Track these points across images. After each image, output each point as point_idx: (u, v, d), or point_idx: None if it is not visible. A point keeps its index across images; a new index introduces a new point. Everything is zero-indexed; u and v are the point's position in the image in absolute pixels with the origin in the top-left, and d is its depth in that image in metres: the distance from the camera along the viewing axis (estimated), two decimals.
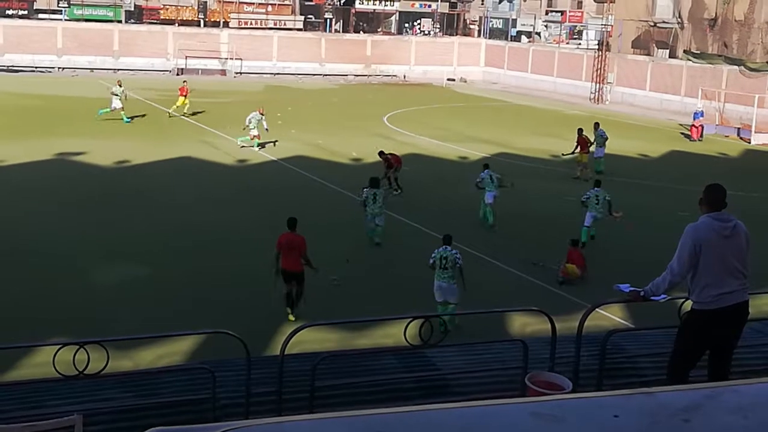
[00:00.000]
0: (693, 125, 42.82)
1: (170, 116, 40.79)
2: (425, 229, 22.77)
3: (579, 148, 31.11)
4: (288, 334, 8.20)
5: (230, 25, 70.47)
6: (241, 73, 65.83)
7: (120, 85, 39.63)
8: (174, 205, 24.75)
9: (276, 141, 34.82)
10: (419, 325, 8.23)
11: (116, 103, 38.67)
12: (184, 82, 44.44)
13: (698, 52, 55.68)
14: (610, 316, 15.41)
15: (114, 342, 11.08)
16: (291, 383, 8.08)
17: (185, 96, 41.73)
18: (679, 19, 59.04)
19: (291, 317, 15.78)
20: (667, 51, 60.16)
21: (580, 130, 31.34)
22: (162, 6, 73.12)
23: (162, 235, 21.54)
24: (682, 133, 42.84)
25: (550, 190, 29.13)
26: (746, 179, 30.98)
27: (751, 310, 7.89)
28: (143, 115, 41.41)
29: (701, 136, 42.40)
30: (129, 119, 39.00)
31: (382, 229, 21.84)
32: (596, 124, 33.05)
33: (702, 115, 43.22)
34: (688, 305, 7.87)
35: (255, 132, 33.31)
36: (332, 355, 9.39)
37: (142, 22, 69.91)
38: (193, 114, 41.92)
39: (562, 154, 32.71)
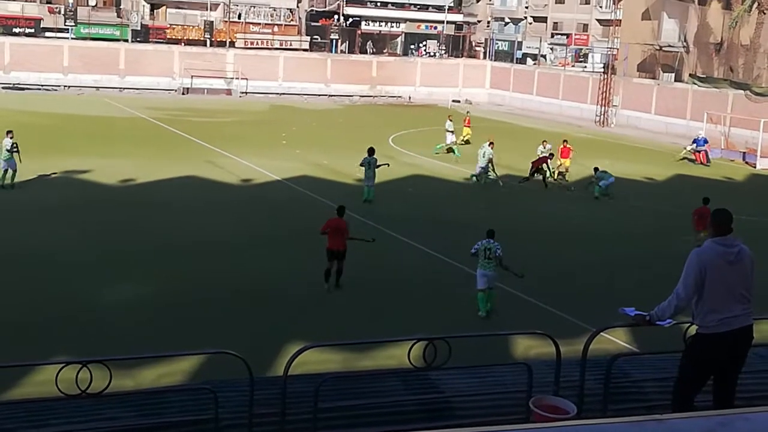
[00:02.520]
0: (696, 150, 42.35)
1: (452, 154, 39.60)
2: (429, 251, 22.76)
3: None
4: (291, 354, 8.16)
5: (236, 45, 70.81)
6: (246, 93, 66.06)
7: (451, 120, 41.61)
8: (177, 224, 24.75)
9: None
10: (423, 347, 8.19)
11: (451, 138, 40.55)
12: (468, 113, 46.49)
13: (704, 76, 55.79)
14: (615, 340, 15.35)
15: (116, 361, 11.06)
16: (294, 404, 8.04)
17: (469, 126, 43.27)
18: (684, 43, 59.20)
19: (331, 290, 18.81)
20: (673, 75, 60.27)
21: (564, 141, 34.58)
22: (169, 25, 73.50)
23: (165, 254, 21.51)
24: (685, 158, 42.65)
25: (555, 211, 29.11)
26: (751, 203, 30.95)
27: (756, 335, 7.85)
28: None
29: (708, 161, 42.10)
30: (459, 154, 39.46)
31: (372, 190, 28.35)
32: (596, 169, 32.68)
33: (706, 142, 42.73)
34: (693, 330, 7.84)
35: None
36: (336, 377, 9.35)
37: (149, 42, 70.22)
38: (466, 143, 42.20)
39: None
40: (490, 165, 32.89)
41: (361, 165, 28.99)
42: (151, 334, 15.61)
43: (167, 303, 17.86)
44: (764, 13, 53.10)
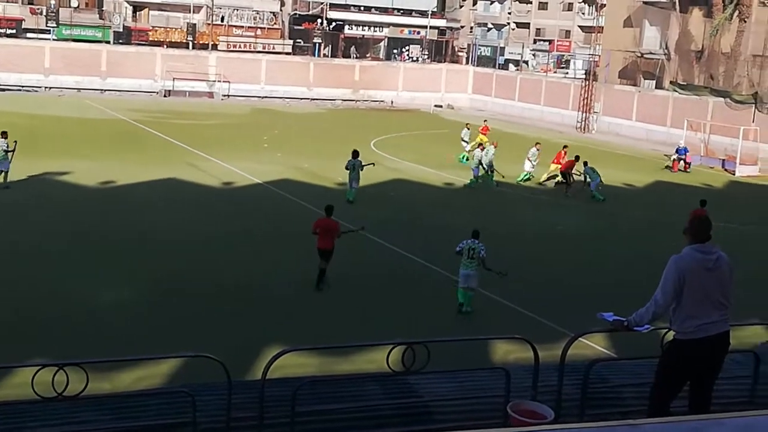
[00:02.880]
0: (677, 159, 42.43)
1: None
2: (410, 255, 22.77)
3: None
4: (270, 357, 8.14)
5: (219, 47, 70.68)
6: (228, 95, 65.93)
7: (468, 128, 41.77)
8: (157, 226, 24.64)
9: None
10: (402, 351, 8.19)
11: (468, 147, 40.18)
12: (485, 121, 46.29)
13: (684, 83, 56.11)
14: (594, 346, 15.40)
15: (93, 364, 10.99)
16: (272, 408, 8.01)
17: (486, 134, 42.42)
18: (666, 51, 59.52)
19: (321, 289, 19.11)
20: (654, 82, 60.59)
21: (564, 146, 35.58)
22: (151, 27, 73.28)
23: (143, 256, 21.42)
24: (667, 166, 42.77)
25: (536, 217, 29.21)
26: (730, 210, 31.14)
27: (733, 342, 7.89)
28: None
29: (688, 169, 42.18)
30: (466, 160, 39.18)
31: (356, 191, 28.89)
32: (585, 163, 33.79)
33: (686, 152, 42.93)
34: (670, 336, 7.87)
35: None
36: (314, 381, 9.32)
37: (131, 44, 69.99)
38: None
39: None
40: (487, 166, 34.08)
41: (347, 168, 29.35)
42: (130, 337, 15.53)
43: (145, 306, 17.79)
44: (745, 22, 53.48)
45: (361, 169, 29.29)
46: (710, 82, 54.78)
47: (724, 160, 45.25)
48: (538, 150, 36.00)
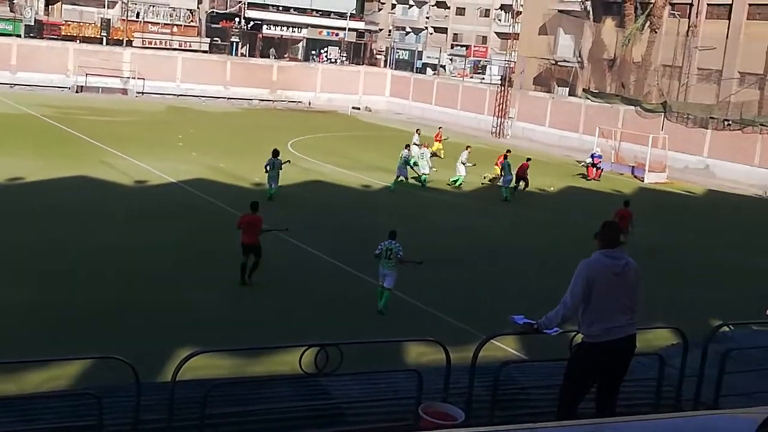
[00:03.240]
0: (591, 164, 43.10)
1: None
2: (324, 256, 22.73)
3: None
4: (180, 359, 8.02)
5: (134, 44, 69.44)
6: (143, 93, 64.83)
7: (419, 133, 42.35)
8: (66, 226, 24.10)
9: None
10: (315, 353, 8.16)
11: (416, 151, 38.41)
12: (440, 128, 47.09)
13: (597, 91, 57.30)
14: (505, 348, 15.59)
15: None
16: (182, 411, 7.90)
17: (440, 141, 43.30)
18: (579, 59, 60.69)
19: (246, 282, 19.45)
20: (567, 89, 61.74)
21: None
22: (64, 22, 71.61)
23: (51, 256, 20.93)
24: (581, 174, 43.43)
25: (452, 221, 29.45)
26: (638, 217, 31.83)
27: (639, 345, 8.08)
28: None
29: (599, 177, 42.74)
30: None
31: (275, 189, 29.34)
32: (508, 151, 36.42)
33: (600, 158, 43.51)
34: (579, 338, 8.01)
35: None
36: (225, 383, 9.24)
37: (43, 38, 68.27)
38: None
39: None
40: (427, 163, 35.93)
41: (266, 166, 29.80)
42: (37, 338, 15.15)
43: (54, 306, 17.36)
44: (655, 32, 54.87)
45: (281, 168, 29.84)
46: (621, 91, 56.05)
47: (633, 167, 46.33)
48: (469, 153, 36.90)
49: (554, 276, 17.71)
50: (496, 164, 36.78)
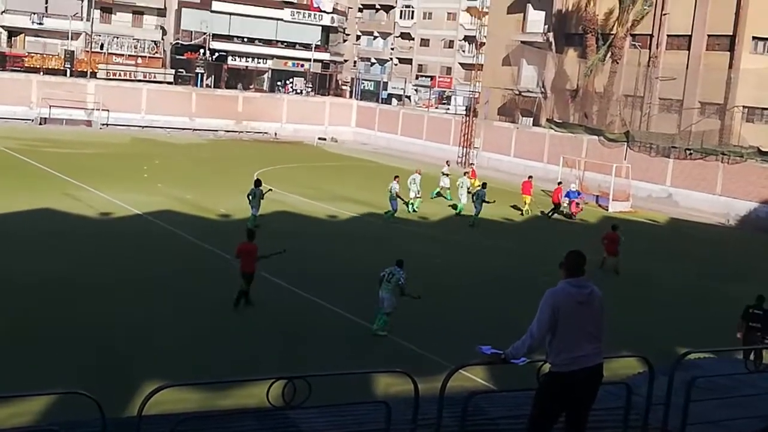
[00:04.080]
0: (573, 202, 41.20)
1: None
2: (292, 288, 22.66)
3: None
4: (146, 394, 7.93)
5: (98, 75, 69.18)
6: (107, 124, 64.51)
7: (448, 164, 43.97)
8: (27, 258, 23.83)
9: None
10: (283, 385, 8.11)
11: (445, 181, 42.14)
12: (472, 164, 48.69)
13: (560, 121, 57.87)
14: (473, 378, 15.60)
15: None
16: None
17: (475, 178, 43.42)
18: (542, 89, 61.34)
19: (238, 306, 20.17)
20: (531, 119, 62.30)
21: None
22: (27, 54, 71.20)
23: (12, 288, 20.67)
24: (555, 213, 42.31)
25: (418, 250, 29.47)
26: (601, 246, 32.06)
27: (606, 373, 8.11)
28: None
29: (576, 215, 40.89)
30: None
31: (255, 218, 29.49)
32: (484, 184, 37.23)
33: (577, 195, 41.65)
34: (546, 368, 8.03)
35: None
36: (192, 417, 9.14)
37: (5, 69, 67.82)
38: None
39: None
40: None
41: (248, 195, 30.44)
42: (0, 374, 14.92)
43: (14, 341, 17.12)
44: (617, 63, 55.62)
45: (262, 198, 30.44)
46: (584, 121, 56.66)
47: (597, 195, 46.71)
48: (419, 175, 38.03)
49: (523, 305, 17.78)
50: (554, 199, 40.10)
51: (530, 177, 41.21)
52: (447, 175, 42.71)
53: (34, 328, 17.88)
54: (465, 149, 61.17)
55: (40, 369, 15.38)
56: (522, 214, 39.53)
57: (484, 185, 36.96)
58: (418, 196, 37.39)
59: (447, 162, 45.72)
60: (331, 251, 27.60)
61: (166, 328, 18.66)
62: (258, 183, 30.88)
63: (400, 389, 13.11)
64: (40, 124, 61.97)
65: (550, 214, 39.67)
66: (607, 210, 44.40)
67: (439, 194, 41.62)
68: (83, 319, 18.73)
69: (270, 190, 31.79)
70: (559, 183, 41.45)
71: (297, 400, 7.99)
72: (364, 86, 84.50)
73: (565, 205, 41.03)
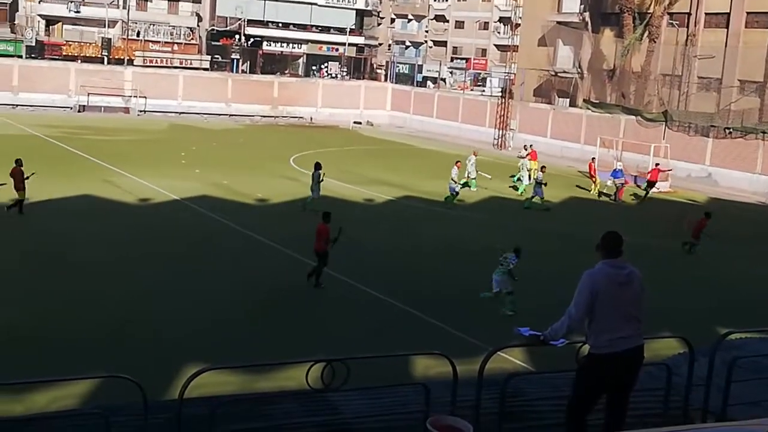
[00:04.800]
0: (618, 184, 40.17)
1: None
2: (330, 271, 22.69)
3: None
4: (188, 377, 8.02)
5: (135, 62, 69.71)
6: (145, 111, 65.03)
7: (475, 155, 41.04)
8: (72, 245, 24.12)
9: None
10: (322, 368, 8.16)
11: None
12: (531, 146, 46.97)
13: (597, 101, 57.35)
14: (512, 359, 15.58)
15: (4, 386, 10.69)
16: (189, 429, 7.89)
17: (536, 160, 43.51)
18: (579, 70, 60.79)
19: (313, 284, 20.91)
20: (568, 100, 61.81)
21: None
22: (65, 42, 71.90)
23: (59, 275, 20.95)
24: (603, 193, 41.18)
25: (456, 233, 29.41)
26: (641, 226, 31.86)
27: (646, 354, 8.06)
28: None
29: (621, 197, 40.06)
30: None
31: (312, 201, 30.16)
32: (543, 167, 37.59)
33: (622, 174, 40.87)
34: (585, 349, 8.00)
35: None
36: (232, 400, 9.23)
37: (44, 58, 68.54)
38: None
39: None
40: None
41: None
42: (45, 357, 15.14)
43: (61, 325, 17.37)
44: (654, 42, 54.96)
45: (321, 180, 30.91)
46: (622, 101, 56.10)
47: (636, 176, 46.20)
48: (475, 156, 38.99)
49: (563, 288, 17.70)
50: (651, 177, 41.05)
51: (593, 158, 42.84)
52: (523, 157, 42.93)
53: (73, 313, 18.13)
54: (501, 131, 60.86)
55: (81, 353, 15.59)
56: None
57: (542, 168, 37.30)
58: (473, 177, 38.14)
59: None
60: (366, 234, 27.61)
61: (203, 309, 18.81)
62: (318, 166, 31.21)
63: (439, 371, 13.11)
64: (79, 111, 62.57)
65: (645, 195, 40.74)
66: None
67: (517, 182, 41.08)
68: (123, 301, 18.95)
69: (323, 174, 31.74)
70: (657, 164, 42.99)
71: (336, 382, 8.04)
72: (398, 69, 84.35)
73: (609, 184, 40.65)
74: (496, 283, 20.08)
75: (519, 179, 40.73)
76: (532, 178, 38.63)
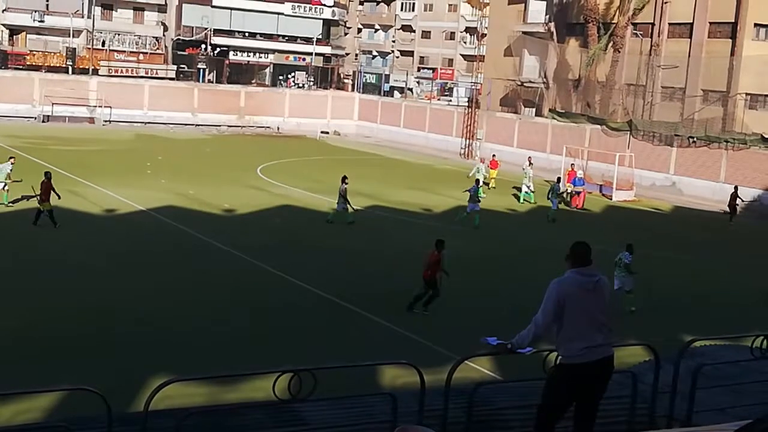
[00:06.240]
0: (576, 193, 41.20)
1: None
2: (296, 281, 22.63)
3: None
4: (153, 389, 7.94)
5: (100, 72, 69.21)
6: (110, 121, 64.55)
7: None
8: (36, 255, 23.87)
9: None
10: (289, 378, 8.12)
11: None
12: (493, 155, 46.84)
13: (563, 111, 57.77)
14: (479, 368, 15.60)
15: None
16: None
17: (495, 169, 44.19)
18: (544, 79, 61.21)
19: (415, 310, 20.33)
20: (534, 109, 62.18)
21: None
22: (29, 51, 71.23)
23: (22, 285, 20.71)
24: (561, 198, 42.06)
25: (424, 241, 29.40)
26: (608, 234, 32.06)
27: (614, 363, 8.09)
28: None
29: (583, 205, 40.92)
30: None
31: (336, 214, 31.24)
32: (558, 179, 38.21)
33: (583, 183, 41.91)
34: (553, 357, 8.02)
35: None
36: (199, 411, 9.15)
37: (7, 68, 67.86)
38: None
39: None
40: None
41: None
42: (7, 370, 14.94)
43: (21, 339, 17.15)
44: (619, 52, 55.47)
45: (345, 195, 30.98)
46: (587, 110, 56.53)
47: (601, 185, 46.59)
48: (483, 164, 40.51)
49: (531, 297, 17.77)
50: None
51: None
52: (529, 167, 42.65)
53: (37, 326, 17.92)
54: (468, 141, 61.09)
55: (46, 365, 15.40)
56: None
57: (558, 179, 37.85)
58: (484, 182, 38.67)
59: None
60: (334, 243, 27.57)
61: (169, 320, 18.67)
62: (344, 179, 31.27)
63: (406, 381, 13.11)
64: (43, 121, 61.99)
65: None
66: (611, 199, 44.35)
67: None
68: (88, 313, 18.75)
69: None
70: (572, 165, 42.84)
71: (303, 392, 8.00)
72: (366, 79, 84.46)
73: (569, 191, 40.98)
74: (618, 282, 20.98)
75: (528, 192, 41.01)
76: (490, 187, 38.37)
